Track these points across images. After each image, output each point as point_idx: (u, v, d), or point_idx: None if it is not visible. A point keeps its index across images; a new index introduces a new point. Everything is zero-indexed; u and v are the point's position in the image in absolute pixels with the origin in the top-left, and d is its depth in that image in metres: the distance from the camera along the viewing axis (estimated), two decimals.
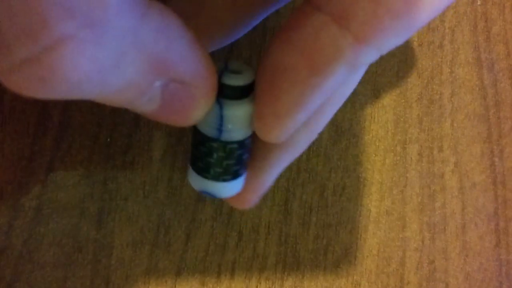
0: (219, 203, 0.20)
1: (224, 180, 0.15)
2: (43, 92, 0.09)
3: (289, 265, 0.21)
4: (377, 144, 0.21)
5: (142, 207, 0.20)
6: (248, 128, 0.14)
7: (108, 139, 0.19)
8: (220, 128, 0.14)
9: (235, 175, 0.15)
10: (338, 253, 0.21)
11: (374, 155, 0.21)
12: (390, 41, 0.12)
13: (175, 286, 0.20)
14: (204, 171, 0.15)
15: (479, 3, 0.23)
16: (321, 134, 0.21)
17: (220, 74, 0.13)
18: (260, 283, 0.20)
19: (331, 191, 0.21)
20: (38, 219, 0.19)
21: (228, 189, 0.15)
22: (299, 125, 0.13)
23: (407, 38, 0.12)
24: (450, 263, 0.22)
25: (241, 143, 0.14)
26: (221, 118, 0.13)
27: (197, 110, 0.13)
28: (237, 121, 0.14)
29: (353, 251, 0.21)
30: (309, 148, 0.21)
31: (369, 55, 0.12)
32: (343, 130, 0.21)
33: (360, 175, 0.21)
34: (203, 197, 0.20)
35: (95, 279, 0.19)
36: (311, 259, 0.21)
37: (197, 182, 0.15)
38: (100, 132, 0.19)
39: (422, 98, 0.22)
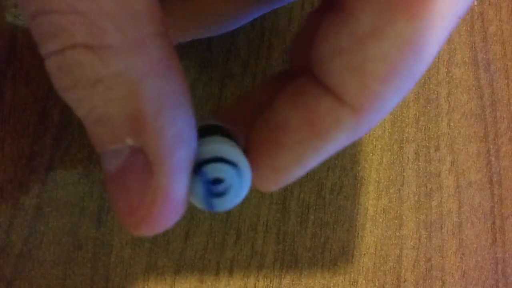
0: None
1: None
2: (59, 79, 0.11)
3: (287, 263, 0.21)
4: (374, 143, 0.22)
5: None
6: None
7: None
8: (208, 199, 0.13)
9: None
10: (335, 251, 0.21)
11: (371, 154, 0.22)
12: (387, 104, 0.12)
13: (174, 284, 0.20)
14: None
15: (475, 3, 0.23)
16: None
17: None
18: (258, 281, 0.20)
19: (329, 189, 0.21)
20: (38, 217, 0.19)
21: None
22: (294, 179, 0.13)
23: (406, 94, 0.12)
24: (446, 261, 0.22)
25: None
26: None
27: (142, 200, 0.11)
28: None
29: (350, 249, 0.21)
30: None
31: (371, 121, 0.12)
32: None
33: (357, 174, 0.21)
34: None
35: (94, 277, 0.19)
36: (309, 257, 0.21)
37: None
38: None
39: (419, 98, 0.22)
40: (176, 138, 0.11)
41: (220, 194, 0.13)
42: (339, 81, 0.12)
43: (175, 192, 0.11)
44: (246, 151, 0.13)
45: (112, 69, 0.10)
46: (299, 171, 0.13)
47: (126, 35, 0.11)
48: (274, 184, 0.13)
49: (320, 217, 0.21)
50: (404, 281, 0.22)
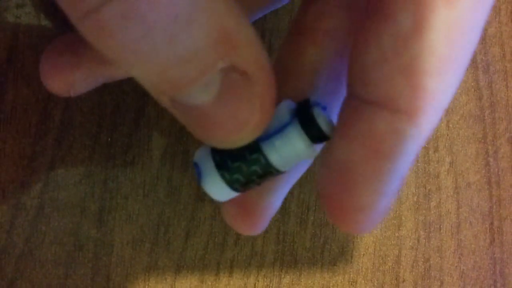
0: (217, 202, 0.20)
1: (231, 185, 0.13)
2: (122, 33, 0.10)
3: (287, 263, 0.21)
4: None
5: (142, 206, 0.20)
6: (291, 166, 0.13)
7: (109, 139, 0.20)
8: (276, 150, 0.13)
9: (240, 190, 0.14)
10: (334, 251, 0.21)
11: None
12: (443, 99, 0.11)
13: (174, 284, 0.20)
14: (225, 169, 0.13)
15: None
16: None
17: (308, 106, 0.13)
18: (258, 281, 0.21)
19: None
20: (40, 217, 0.19)
21: (225, 195, 0.14)
22: (388, 210, 0.13)
23: (458, 85, 0.12)
24: (445, 261, 0.22)
25: (277, 172, 0.13)
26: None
27: (253, 113, 0.11)
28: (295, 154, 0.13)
29: (349, 249, 0.21)
30: None
31: (431, 121, 0.12)
32: None
33: None
34: (202, 196, 0.20)
35: (95, 277, 0.20)
36: (308, 257, 0.21)
37: (210, 175, 0.14)
38: (101, 132, 0.20)
39: None
40: (260, 42, 0.11)
41: None
42: (388, 89, 0.11)
43: (275, 90, 0.12)
44: (327, 200, 0.13)
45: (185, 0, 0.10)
46: (387, 199, 0.12)
47: None
48: (367, 222, 0.12)
49: (319, 217, 0.21)
50: (403, 281, 0.22)
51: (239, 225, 0.15)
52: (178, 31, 0.10)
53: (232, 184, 0.13)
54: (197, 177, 0.14)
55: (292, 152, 0.13)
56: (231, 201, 0.14)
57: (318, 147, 0.14)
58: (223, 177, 0.13)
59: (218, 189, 0.14)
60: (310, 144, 0.13)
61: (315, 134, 0.13)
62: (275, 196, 0.15)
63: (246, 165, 0.13)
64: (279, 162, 0.13)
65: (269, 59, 0.11)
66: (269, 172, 0.13)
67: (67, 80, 0.16)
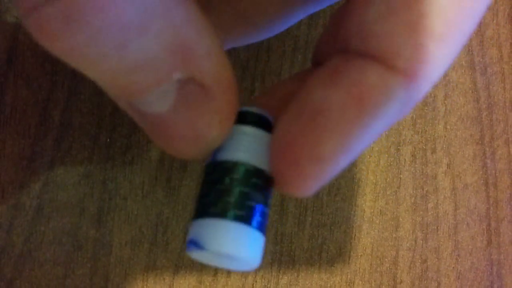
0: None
1: (241, 220, 0.11)
2: (64, 36, 0.09)
3: (285, 263, 0.21)
4: (371, 145, 0.22)
5: (141, 207, 0.20)
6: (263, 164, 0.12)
7: (108, 140, 0.20)
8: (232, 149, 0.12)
9: (251, 218, 0.12)
10: (332, 252, 0.21)
11: (368, 156, 0.22)
12: (441, 67, 0.11)
13: (173, 284, 0.20)
14: (211, 206, 0.11)
15: None
16: None
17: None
18: (256, 281, 0.21)
19: (326, 191, 0.21)
20: (39, 218, 0.19)
21: (245, 241, 0.11)
22: (337, 173, 0.11)
23: (455, 58, 0.11)
24: (442, 263, 0.22)
25: (258, 172, 0.12)
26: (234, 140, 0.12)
27: (210, 126, 0.11)
28: (252, 145, 0.12)
29: (347, 250, 0.21)
30: None
31: (423, 89, 0.11)
32: None
33: (354, 176, 0.22)
34: None
35: (94, 277, 0.20)
36: (306, 258, 0.21)
37: (205, 231, 0.11)
38: (100, 133, 0.20)
39: None
40: (222, 55, 0.11)
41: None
42: (389, 43, 0.10)
43: (235, 105, 0.11)
44: (278, 144, 0.12)
45: (140, 5, 0.09)
46: (346, 159, 0.11)
47: None
48: (318, 179, 0.11)
49: (317, 218, 0.21)
50: (400, 282, 0.22)
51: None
52: (128, 39, 0.09)
53: (230, 214, 0.11)
54: (201, 255, 0.12)
55: (247, 141, 0.12)
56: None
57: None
58: (235, 218, 0.11)
59: (241, 238, 0.11)
60: (254, 128, 0.12)
61: (249, 118, 0.12)
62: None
63: (230, 187, 0.11)
64: (247, 157, 0.12)
65: (231, 72, 0.11)
66: (255, 177, 0.12)
67: None
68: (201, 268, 0.20)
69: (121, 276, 0.20)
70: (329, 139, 0.11)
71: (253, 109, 0.12)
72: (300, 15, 0.16)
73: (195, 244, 0.11)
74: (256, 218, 0.12)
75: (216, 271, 0.20)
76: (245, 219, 0.11)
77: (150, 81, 0.10)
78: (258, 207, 0.12)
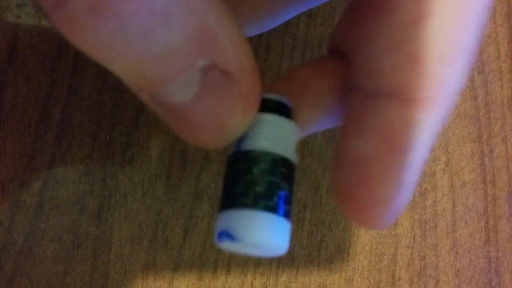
0: (215, 200, 0.21)
1: (270, 210, 0.11)
2: (92, 28, 0.09)
3: (284, 260, 0.21)
4: None
5: (140, 204, 0.20)
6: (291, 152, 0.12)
7: (108, 137, 0.20)
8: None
9: (280, 207, 0.12)
10: (331, 249, 0.21)
11: None
12: (455, 85, 0.11)
13: (172, 281, 0.20)
14: (241, 196, 0.12)
15: None
16: (315, 135, 0.21)
17: None
18: (255, 279, 0.21)
19: (325, 189, 0.21)
20: (39, 215, 0.19)
21: (276, 230, 0.12)
22: (407, 199, 0.12)
23: (468, 68, 0.11)
24: (440, 260, 0.22)
25: (284, 161, 0.12)
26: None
27: (234, 114, 0.11)
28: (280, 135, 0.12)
29: (346, 248, 0.22)
30: (304, 148, 0.21)
31: (445, 108, 0.11)
32: (337, 129, 0.22)
33: None
34: (200, 194, 0.20)
35: (94, 274, 0.20)
36: (305, 255, 0.21)
37: (229, 221, 0.12)
38: (100, 131, 0.20)
39: None
40: (244, 41, 0.11)
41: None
42: (397, 78, 0.11)
43: (259, 92, 0.11)
44: (344, 195, 0.12)
45: None
46: (406, 192, 0.12)
47: None
48: (387, 216, 0.12)
49: (316, 216, 0.21)
50: (399, 279, 0.22)
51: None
52: (154, 27, 0.09)
53: (259, 204, 0.11)
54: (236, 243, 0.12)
55: (271, 129, 0.12)
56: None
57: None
58: (266, 208, 0.11)
59: (272, 228, 0.12)
60: (276, 116, 0.12)
61: (270, 105, 0.12)
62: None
63: (259, 177, 0.12)
64: (273, 146, 0.12)
65: (254, 60, 0.11)
66: (281, 166, 0.12)
67: None
68: (200, 265, 0.20)
69: (121, 273, 0.20)
70: (380, 185, 0.12)
71: (273, 96, 0.12)
72: (294, 11, 0.16)
73: (227, 235, 0.11)
74: (284, 207, 0.12)
75: (215, 268, 0.21)
76: (274, 209, 0.12)
77: (174, 69, 0.10)
78: (285, 195, 0.12)
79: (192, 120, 0.11)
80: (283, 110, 0.12)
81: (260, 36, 0.21)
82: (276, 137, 0.12)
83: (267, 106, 0.12)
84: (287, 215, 0.12)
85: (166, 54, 0.10)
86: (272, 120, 0.12)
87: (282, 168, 0.12)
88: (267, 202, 0.12)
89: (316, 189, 0.21)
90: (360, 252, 0.22)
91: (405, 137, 0.11)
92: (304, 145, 0.21)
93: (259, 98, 0.12)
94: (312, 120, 0.14)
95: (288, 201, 0.12)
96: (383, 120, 0.11)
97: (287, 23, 0.21)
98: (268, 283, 0.21)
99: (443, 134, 0.23)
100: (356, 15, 0.12)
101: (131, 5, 0.09)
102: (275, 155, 0.12)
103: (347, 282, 0.21)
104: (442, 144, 0.23)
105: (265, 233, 0.11)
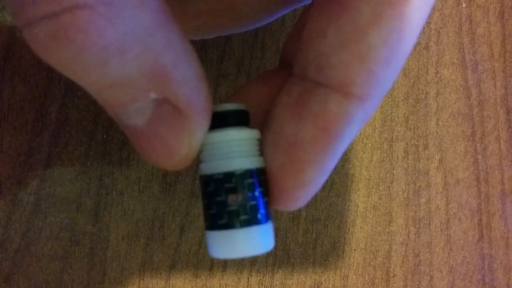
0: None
1: (249, 223, 0.12)
2: (52, 51, 0.10)
3: (279, 258, 0.21)
4: (365, 141, 0.22)
5: (137, 202, 0.20)
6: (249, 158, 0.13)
7: (104, 136, 0.20)
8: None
9: (257, 216, 0.12)
10: (326, 246, 0.22)
11: (361, 152, 0.22)
12: (389, 86, 0.12)
13: (169, 279, 0.20)
14: (217, 218, 0.12)
15: (464, 5, 0.23)
16: None
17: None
18: (251, 276, 0.21)
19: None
20: (36, 213, 0.19)
21: (257, 239, 0.12)
22: (318, 188, 0.13)
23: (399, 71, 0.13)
24: (434, 257, 0.22)
25: (251, 172, 0.13)
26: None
27: (181, 144, 0.12)
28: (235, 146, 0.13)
29: (341, 245, 0.22)
30: None
31: (375, 106, 0.13)
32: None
33: (348, 172, 0.22)
34: (196, 192, 0.21)
35: (91, 271, 0.20)
36: (301, 252, 0.21)
37: (220, 244, 0.12)
38: (97, 129, 0.20)
39: (409, 98, 0.23)
40: (199, 80, 0.12)
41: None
42: (344, 74, 0.12)
43: (206, 126, 0.12)
44: (268, 177, 0.13)
45: (121, 29, 0.10)
46: (324, 178, 0.13)
47: None
48: (304, 199, 0.13)
49: (311, 213, 0.21)
50: (393, 276, 0.22)
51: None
52: (108, 59, 0.10)
53: (256, 217, 0.12)
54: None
55: (235, 146, 0.13)
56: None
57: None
58: (243, 224, 0.12)
59: (253, 239, 0.12)
60: (238, 129, 0.13)
61: (231, 119, 0.13)
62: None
63: (226, 195, 0.12)
64: (237, 163, 0.12)
65: (207, 96, 0.12)
66: (249, 178, 0.12)
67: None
68: (197, 262, 0.21)
69: (118, 271, 0.20)
70: (307, 168, 0.13)
71: (231, 106, 0.13)
72: (284, 9, 0.17)
73: (215, 254, 0.13)
74: (261, 212, 0.13)
75: (212, 265, 0.21)
76: (251, 221, 0.12)
77: (127, 97, 0.11)
78: (260, 202, 0.13)
79: (145, 144, 0.12)
80: (243, 119, 0.13)
81: (256, 35, 0.21)
82: (240, 151, 0.13)
83: (227, 119, 0.13)
84: (264, 218, 0.13)
85: (120, 83, 0.11)
86: (234, 135, 0.13)
87: (251, 179, 0.12)
88: (242, 218, 0.12)
89: None
90: (355, 249, 0.22)
91: (340, 128, 0.12)
92: None
93: (205, 130, 0.12)
94: None
95: (264, 205, 0.13)
96: (324, 108, 0.12)
97: (282, 22, 0.21)
98: (264, 280, 0.21)
99: (437, 133, 0.23)
100: (310, 19, 0.13)
101: (86, 38, 0.10)
102: (241, 171, 0.12)
103: (342, 278, 0.22)
104: (436, 142, 0.23)
105: (248, 246, 0.12)
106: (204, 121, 0.12)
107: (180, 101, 0.11)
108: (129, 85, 0.11)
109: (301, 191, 0.13)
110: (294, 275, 0.21)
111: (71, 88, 0.20)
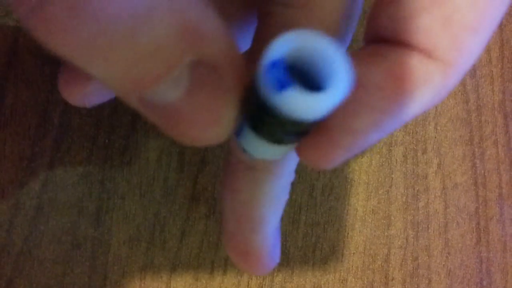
0: (212, 202, 0.21)
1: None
2: (73, 30, 0.09)
3: (279, 261, 0.21)
4: None
5: (138, 206, 0.20)
6: None
7: (106, 141, 0.20)
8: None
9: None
10: (326, 250, 0.22)
11: (361, 156, 0.22)
12: (474, 55, 0.12)
13: (170, 282, 0.20)
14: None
15: None
16: None
17: None
18: (251, 279, 0.21)
19: (320, 191, 0.22)
20: (38, 217, 0.20)
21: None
22: (365, 148, 0.12)
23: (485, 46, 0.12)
24: (432, 260, 0.23)
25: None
26: None
27: (227, 106, 0.11)
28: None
29: (340, 248, 0.22)
30: None
31: (458, 76, 0.12)
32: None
33: (347, 176, 0.22)
34: (197, 196, 0.21)
35: (93, 275, 0.20)
36: (300, 256, 0.21)
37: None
38: (99, 134, 0.20)
39: None
40: (229, 35, 0.11)
41: None
42: (428, 36, 0.11)
43: (247, 82, 0.11)
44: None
45: None
46: (376, 136, 0.12)
47: None
48: (345, 152, 0.12)
49: (311, 217, 0.22)
50: (392, 279, 0.22)
51: (248, 268, 0.15)
52: (137, 26, 0.09)
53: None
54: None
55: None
56: (229, 245, 0.14)
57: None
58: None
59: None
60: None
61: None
62: (260, 234, 0.14)
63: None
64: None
65: (239, 51, 0.11)
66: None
67: (82, 92, 0.15)
68: (197, 266, 0.21)
69: (119, 274, 0.20)
70: (363, 113, 0.11)
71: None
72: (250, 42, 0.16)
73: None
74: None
75: (212, 269, 0.21)
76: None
77: (162, 67, 0.10)
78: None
79: (185, 118, 0.11)
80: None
81: None
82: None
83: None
84: None
85: (152, 53, 0.09)
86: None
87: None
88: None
89: (311, 191, 0.22)
90: (354, 253, 0.22)
91: (414, 82, 0.11)
92: None
93: (248, 87, 0.11)
94: None
95: None
96: (401, 59, 0.11)
97: None
98: (264, 283, 0.21)
99: (435, 137, 0.23)
100: None
101: (112, 4, 0.08)
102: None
103: (341, 282, 0.22)
104: (435, 147, 0.23)
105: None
106: (244, 77, 0.11)
107: (217, 58, 0.10)
108: (162, 52, 0.09)
109: (346, 139, 0.11)
110: (294, 278, 0.21)
111: None
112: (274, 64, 0.09)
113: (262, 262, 0.14)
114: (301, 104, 0.09)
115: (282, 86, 0.09)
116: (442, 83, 0.11)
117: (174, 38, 0.09)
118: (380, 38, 0.12)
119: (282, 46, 0.09)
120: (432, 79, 0.11)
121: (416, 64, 0.11)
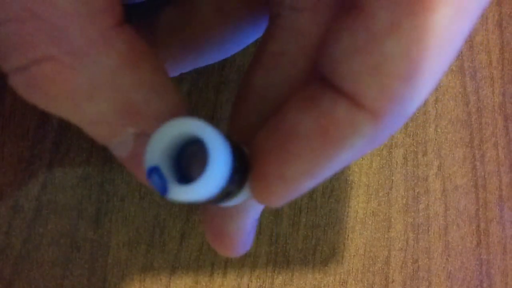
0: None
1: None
2: (32, 97, 0.11)
3: (279, 263, 0.21)
4: None
5: (138, 208, 0.20)
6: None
7: None
8: None
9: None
10: (326, 252, 0.22)
11: (361, 158, 0.22)
12: (409, 107, 0.11)
13: (169, 284, 0.20)
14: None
15: None
16: None
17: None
18: (251, 281, 0.21)
19: (320, 193, 0.22)
20: (37, 219, 0.20)
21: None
22: (303, 193, 0.12)
23: (428, 96, 0.11)
24: (433, 262, 0.23)
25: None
26: None
27: None
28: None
29: (340, 251, 0.22)
30: None
31: (391, 127, 0.11)
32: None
33: (348, 178, 0.22)
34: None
35: (92, 278, 0.20)
36: (300, 258, 0.21)
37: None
38: None
39: None
40: (176, 110, 0.12)
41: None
42: (356, 82, 0.11)
43: None
44: (251, 161, 0.12)
45: (86, 75, 0.11)
46: (310, 183, 0.12)
47: (89, 34, 0.10)
48: (282, 197, 0.12)
49: (311, 219, 0.22)
50: (392, 282, 0.22)
51: (218, 248, 0.15)
52: (80, 102, 0.11)
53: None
54: None
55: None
56: (207, 225, 0.15)
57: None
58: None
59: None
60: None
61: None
62: (237, 222, 0.15)
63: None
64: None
65: None
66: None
67: None
68: (197, 268, 0.21)
69: (118, 277, 0.20)
70: (293, 162, 0.11)
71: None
72: (248, 39, 0.17)
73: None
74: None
75: (212, 271, 0.21)
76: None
77: (106, 134, 0.12)
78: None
79: (133, 171, 0.13)
80: None
81: (257, 42, 0.21)
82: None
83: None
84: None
85: (97, 121, 0.11)
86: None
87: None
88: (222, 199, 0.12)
89: (311, 193, 0.22)
90: (354, 255, 0.22)
91: (341, 133, 0.11)
92: None
93: None
94: None
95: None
96: (329, 109, 0.11)
97: None
98: (264, 285, 0.21)
99: (436, 139, 0.23)
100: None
101: (55, 85, 0.11)
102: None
103: (341, 284, 0.22)
104: (435, 149, 0.23)
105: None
106: None
107: None
108: (105, 122, 0.11)
109: (279, 186, 0.12)
110: (294, 280, 0.21)
111: None
112: (153, 170, 0.11)
113: (234, 247, 0.15)
114: (184, 195, 0.11)
115: (163, 189, 0.11)
116: (372, 134, 0.11)
117: (115, 114, 0.11)
118: (321, 76, 0.12)
119: (161, 141, 0.11)
120: (360, 129, 0.11)
121: (344, 113, 0.11)
